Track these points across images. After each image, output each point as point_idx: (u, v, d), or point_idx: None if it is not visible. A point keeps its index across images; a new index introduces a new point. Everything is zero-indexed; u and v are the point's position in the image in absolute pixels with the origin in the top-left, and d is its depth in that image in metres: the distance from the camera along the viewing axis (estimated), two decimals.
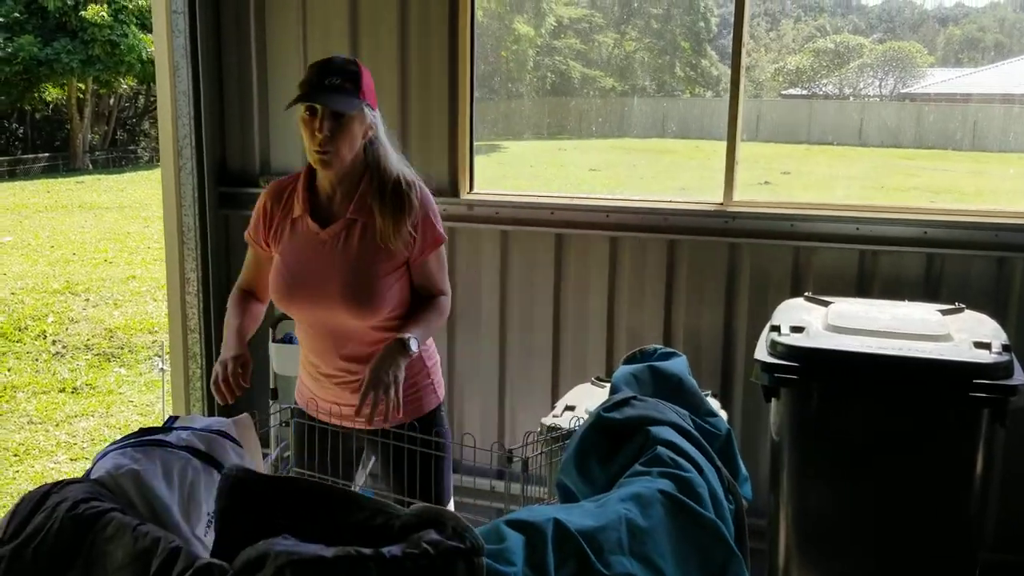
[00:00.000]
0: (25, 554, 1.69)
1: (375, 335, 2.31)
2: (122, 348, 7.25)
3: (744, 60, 3.32)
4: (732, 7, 3.28)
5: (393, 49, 3.50)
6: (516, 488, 3.46)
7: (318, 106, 2.15)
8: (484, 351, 3.57)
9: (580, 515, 1.65)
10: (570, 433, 2.53)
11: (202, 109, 3.69)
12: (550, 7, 17.51)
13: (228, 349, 2.32)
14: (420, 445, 2.25)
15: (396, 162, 2.30)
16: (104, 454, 1.96)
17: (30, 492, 1.77)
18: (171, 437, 2.01)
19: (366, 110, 2.22)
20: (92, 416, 5.80)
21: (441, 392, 2.51)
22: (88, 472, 1.96)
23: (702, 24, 19.74)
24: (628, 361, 2.28)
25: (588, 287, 3.43)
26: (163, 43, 3.68)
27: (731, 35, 3.35)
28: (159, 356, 5.66)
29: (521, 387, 3.56)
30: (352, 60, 2.25)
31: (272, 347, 3.46)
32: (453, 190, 3.51)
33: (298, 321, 2.42)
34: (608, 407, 2.03)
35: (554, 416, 2.73)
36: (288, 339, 3.46)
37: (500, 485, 3.45)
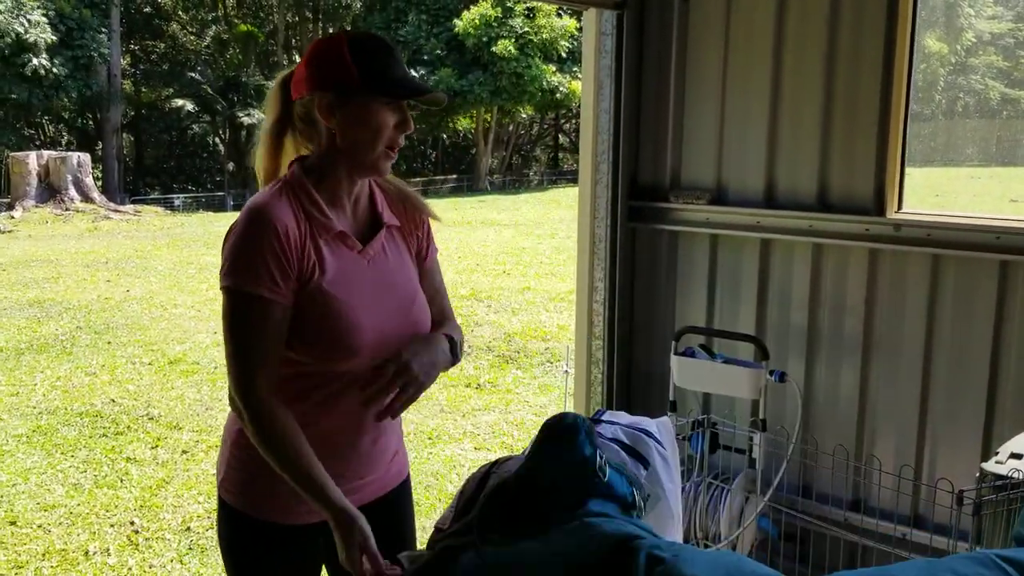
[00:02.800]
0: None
1: None
2: (518, 352, 7.82)
3: None
4: None
5: (818, 57, 3.36)
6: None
7: (415, 101, 1.80)
8: (903, 384, 3.27)
9: None
10: None
11: (621, 126, 3.85)
12: (969, 22, 15.88)
13: (342, 517, 1.64)
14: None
15: None
16: None
17: (474, 473, 1.91)
18: (602, 428, 2.11)
19: None
20: (493, 411, 6.32)
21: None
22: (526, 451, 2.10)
23: None
24: None
25: None
26: (590, 63, 3.90)
27: None
28: (565, 359, 6.00)
29: (945, 428, 3.20)
30: None
31: (674, 359, 3.48)
32: (878, 208, 3.26)
33: (335, 377, 1.75)
34: None
35: (997, 463, 2.42)
36: (690, 353, 3.47)
37: (912, 533, 3.16)
